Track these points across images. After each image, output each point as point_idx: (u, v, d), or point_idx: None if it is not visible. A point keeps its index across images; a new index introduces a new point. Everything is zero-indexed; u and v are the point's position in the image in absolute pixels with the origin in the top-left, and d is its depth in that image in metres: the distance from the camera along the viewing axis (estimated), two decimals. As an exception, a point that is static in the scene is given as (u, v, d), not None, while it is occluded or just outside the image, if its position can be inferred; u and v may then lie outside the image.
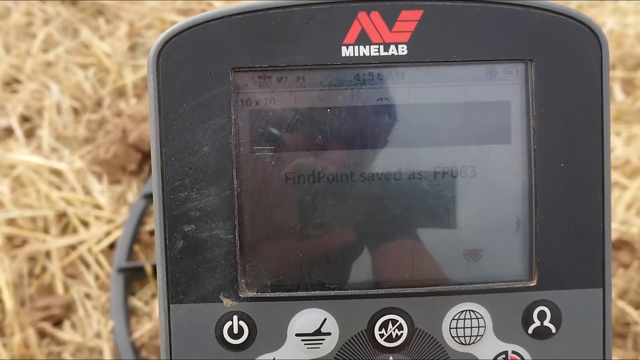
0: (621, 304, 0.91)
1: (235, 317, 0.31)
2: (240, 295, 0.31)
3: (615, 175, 1.08)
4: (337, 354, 0.31)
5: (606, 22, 1.33)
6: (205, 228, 0.30)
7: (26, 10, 1.33)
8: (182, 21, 0.30)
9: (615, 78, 1.27)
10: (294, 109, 0.31)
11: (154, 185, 0.30)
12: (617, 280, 0.94)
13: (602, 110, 0.31)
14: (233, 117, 0.30)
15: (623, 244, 1.01)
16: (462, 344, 0.31)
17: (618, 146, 1.13)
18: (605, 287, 0.31)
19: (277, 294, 0.31)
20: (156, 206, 0.30)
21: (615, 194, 1.06)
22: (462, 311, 0.31)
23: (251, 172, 0.31)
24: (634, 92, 1.23)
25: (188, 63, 0.30)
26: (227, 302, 0.31)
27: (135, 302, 0.93)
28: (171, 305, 0.31)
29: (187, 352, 0.31)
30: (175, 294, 0.30)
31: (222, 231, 0.30)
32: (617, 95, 1.24)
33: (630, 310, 0.91)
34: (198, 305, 0.31)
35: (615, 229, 0.99)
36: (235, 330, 0.31)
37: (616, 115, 1.21)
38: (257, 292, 0.31)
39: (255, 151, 0.31)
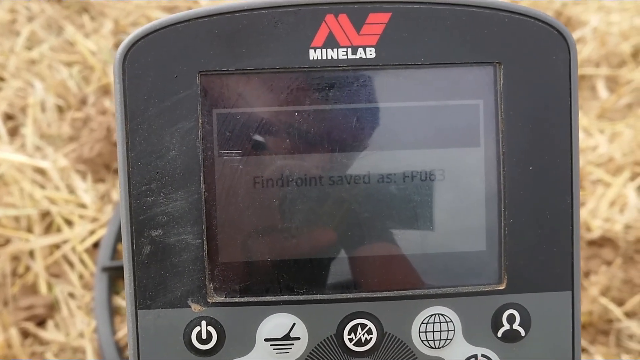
0: (604, 300, 0.91)
1: (203, 323, 0.30)
2: (209, 300, 0.31)
3: (598, 173, 1.09)
4: (306, 359, 0.31)
5: (590, 20, 1.33)
6: (172, 233, 0.30)
7: (10, 7, 1.32)
8: (147, 24, 0.30)
9: (599, 76, 1.28)
10: (262, 112, 0.31)
11: (121, 189, 0.30)
12: (600, 278, 0.94)
13: (571, 113, 0.31)
14: (200, 121, 0.30)
15: (606, 241, 1.01)
16: (431, 347, 0.31)
17: (602, 143, 1.13)
18: (575, 290, 0.31)
19: (245, 299, 0.31)
20: (123, 211, 0.30)
21: (598, 191, 1.07)
22: (432, 315, 0.31)
23: (219, 176, 0.30)
24: (618, 90, 1.24)
25: (154, 66, 0.30)
26: (195, 307, 0.30)
27: (119, 301, 0.92)
28: (139, 311, 0.30)
29: (155, 357, 0.30)
30: (143, 300, 0.30)
31: (189, 236, 0.30)
32: (601, 92, 1.25)
33: (612, 307, 0.91)
34: (166, 310, 0.30)
35: (599, 226, 1.00)
36: (204, 336, 0.30)
37: (600, 113, 1.21)
38: (225, 297, 0.31)
39: (223, 155, 0.30)
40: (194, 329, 0.30)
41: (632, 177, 1.09)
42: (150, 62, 0.30)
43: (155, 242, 0.30)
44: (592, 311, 0.91)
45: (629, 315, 0.93)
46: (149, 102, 0.30)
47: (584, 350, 0.91)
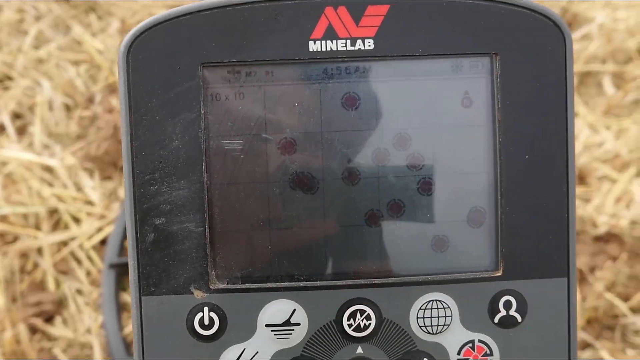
0: (609, 296, 0.91)
1: (206, 309, 0.31)
2: (211, 286, 0.31)
3: (605, 169, 1.09)
4: (306, 344, 0.32)
5: (596, 16, 1.33)
6: (175, 221, 0.31)
7: (18, 7, 1.33)
8: (151, 17, 0.30)
9: (605, 72, 1.28)
10: (263, 103, 0.31)
11: (125, 179, 0.31)
12: (605, 273, 0.94)
13: (567, 103, 0.31)
14: (202, 112, 0.31)
15: (612, 236, 1.01)
16: (429, 333, 0.32)
17: (608, 140, 1.13)
18: (570, 277, 0.32)
19: (246, 286, 0.31)
20: (127, 200, 0.31)
21: (604, 187, 1.07)
22: (429, 301, 0.32)
23: (221, 165, 0.31)
24: (624, 86, 1.24)
25: (157, 59, 0.30)
26: (198, 294, 0.31)
27: (126, 297, 0.93)
28: (143, 297, 0.31)
29: (159, 343, 0.31)
30: (147, 286, 0.31)
31: (192, 224, 0.31)
32: (607, 89, 1.25)
33: (618, 302, 0.91)
34: (169, 297, 0.31)
35: (605, 222, 1.00)
36: (206, 322, 0.31)
37: (606, 109, 1.21)
38: (227, 284, 0.31)
39: (225, 145, 0.31)
40: (197, 315, 0.31)
41: (638, 173, 1.08)
42: (153, 54, 0.30)
43: (158, 230, 0.31)
44: (597, 306, 0.91)
45: (635, 310, 0.93)
46: (152, 94, 0.30)
47: (589, 345, 0.91)
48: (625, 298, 0.93)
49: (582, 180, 1.11)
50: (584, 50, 1.29)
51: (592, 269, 0.97)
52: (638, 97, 1.23)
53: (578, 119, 1.19)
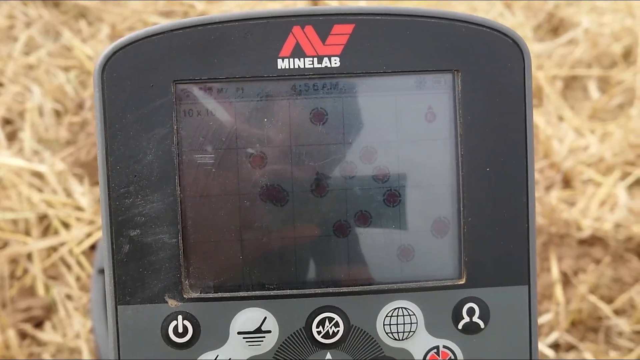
0: (593, 298, 0.93)
1: (179, 317, 0.32)
2: (185, 295, 0.32)
3: (589, 172, 1.10)
4: (277, 351, 0.33)
5: (582, 21, 1.34)
6: (150, 233, 0.32)
7: (8, 13, 1.34)
8: (125, 36, 0.31)
9: (591, 76, 1.29)
10: (234, 118, 0.32)
11: (101, 192, 0.32)
12: (589, 276, 0.95)
13: (526, 118, 0.32)
14: (175, 127, 0.32)
15: (596, 239, 1.02)
16: (395, 339, 0.33)
17: (593, 143, 1.15)
18: (531, 284, 0.33)
19: (219, 295, 0.33)
20: (103, 212, 0.32)
21: (589, 190, 1.08)
22: (395, 308, 0.33)
23: (193, 179, 0.32)
24: (609, 90, 1.25)
25: (131, 76, 0.31)
26: (172, 303, 0.32)
27: (115, 302, 0.94)
28: (119, 307, 0.32)
29: (134, 351, 0.32)
30: (123, 296, 0.32)
31: (166, 235, 0.32)
32: (592, 93, 1.26)
33: (602, 305, 0.92)
34: (144, 306, 0.32)
35: (589, 226, 1.01)
36: (180, 330, 0.32)
37: (592, 113, 1.23)
38: (200, 293, 0.33)
39: (197, 159, 0.32)
40: (171, 323, 0.32)
41: (623, 177, 1.10)
42: (127, 72, 0.31)
43: (133, 242, 0.32)
44: (581, 309, 0.93)
45: (618, 312, 0.94)
46: (126, 110, 0.31)
47: (573, 347, 0.92)
48: (609, 300, 0.94)
49: (567, 183, 1.12)
50: (570, 54, 1.31)
51: (576, 272, 0.98)
52: (623, 101, 1.25)
53: (564, 122, 1.20)
